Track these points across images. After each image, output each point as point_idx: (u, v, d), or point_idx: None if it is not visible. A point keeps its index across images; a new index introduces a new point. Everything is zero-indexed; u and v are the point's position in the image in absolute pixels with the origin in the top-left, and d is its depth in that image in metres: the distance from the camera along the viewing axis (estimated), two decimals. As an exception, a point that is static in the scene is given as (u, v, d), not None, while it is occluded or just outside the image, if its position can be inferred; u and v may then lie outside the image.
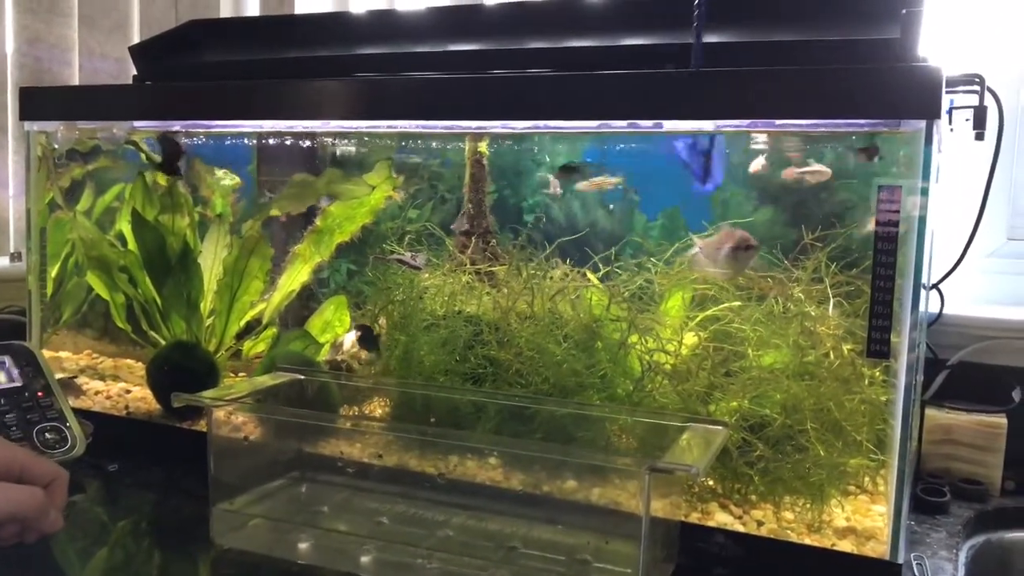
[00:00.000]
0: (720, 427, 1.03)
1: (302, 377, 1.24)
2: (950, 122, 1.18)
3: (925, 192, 0.92)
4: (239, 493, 1.14)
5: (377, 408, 1.33)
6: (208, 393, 1.09)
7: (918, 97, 0.91)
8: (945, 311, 1.48)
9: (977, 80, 1.13)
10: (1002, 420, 1.36)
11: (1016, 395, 1.40)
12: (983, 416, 1.37)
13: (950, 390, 1.43)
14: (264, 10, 2.00)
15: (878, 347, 0.96)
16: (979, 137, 1.20)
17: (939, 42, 1.38)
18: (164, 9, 2.00)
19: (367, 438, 1.19)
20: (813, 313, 1.13)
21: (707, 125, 1.09)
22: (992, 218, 1.51)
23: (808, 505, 1.09)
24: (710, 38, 1.09)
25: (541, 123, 1.17)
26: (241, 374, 1.56)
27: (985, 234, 1.49)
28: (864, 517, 1.10)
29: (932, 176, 0.95)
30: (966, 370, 1.45)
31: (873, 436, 1.07)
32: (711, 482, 1.13)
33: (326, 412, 1.26)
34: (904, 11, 1.02)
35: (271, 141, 1.57)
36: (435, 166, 1.52)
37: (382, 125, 1.27)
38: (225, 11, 2.06)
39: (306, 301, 1.57)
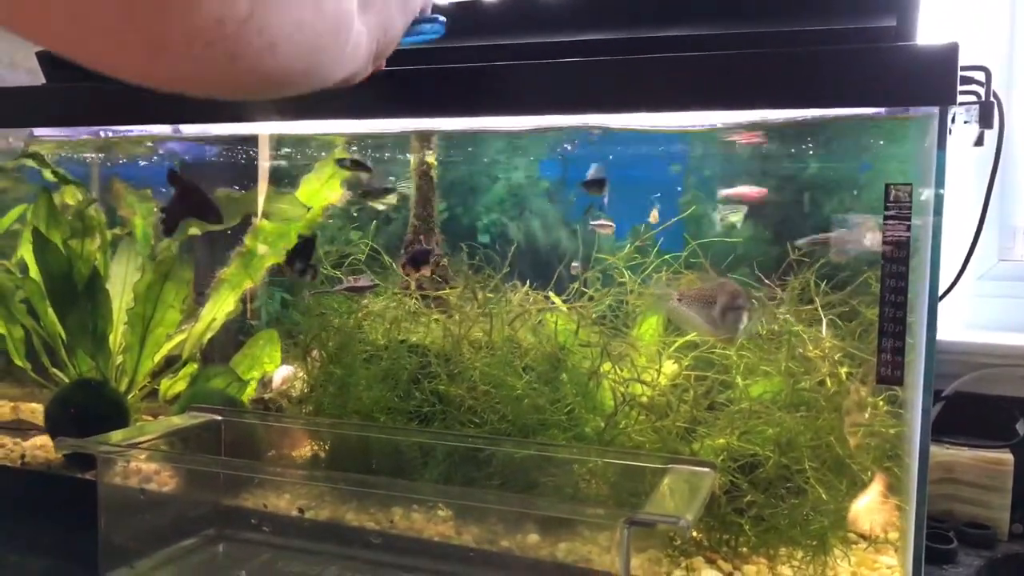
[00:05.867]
0: (707, 469, 0.88)
1: (219, 418, 1.06)
2: (952, 122, 1.07)
3: (940, 184, 0.79)
4: (140, 557, 0.96)
5: (309, 452, 1.16)
6: (97, 438, 0.92)
7: (932, 80, 0.79)
8: (938, 337, 1.36)
9: (982, 71, 1.02)
10: (1007, 456, 1.23)
11: (1021, 428, 1.27)
12: (987, 452, 1.24)
13: (948, 423, 1.30)
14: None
15: (890, 370, 0.83)
16: (979, 142, 1.08)
17: (938, 33, 1.28)
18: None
19: (294, 488, 1.02)
20: (804, 335, 1.00)
21: (697, 118, 0.95)
22: (982, 238, 1.40)
23: (808, 558, 0.95)
24: (698, 31, 0.97)
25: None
26: (161, 417, 1.37)
27: (975, 255, 1.37)
28: (871, 570, 0.96)
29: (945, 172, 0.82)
30: (964, 401, 1.32)
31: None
32: (696, 533, 0.98)
33: (247, 458, 1.09)
34: (900, -4, 0.91)
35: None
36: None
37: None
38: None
39: (235, 334, 1.40)
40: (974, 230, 1.28)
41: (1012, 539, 1.22)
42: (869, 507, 0.97)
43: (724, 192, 1.21)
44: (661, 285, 1.02)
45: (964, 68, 1.03)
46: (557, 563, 0.94)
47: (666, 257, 1.10)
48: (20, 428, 1.42)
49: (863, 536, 1.00)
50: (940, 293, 1.34)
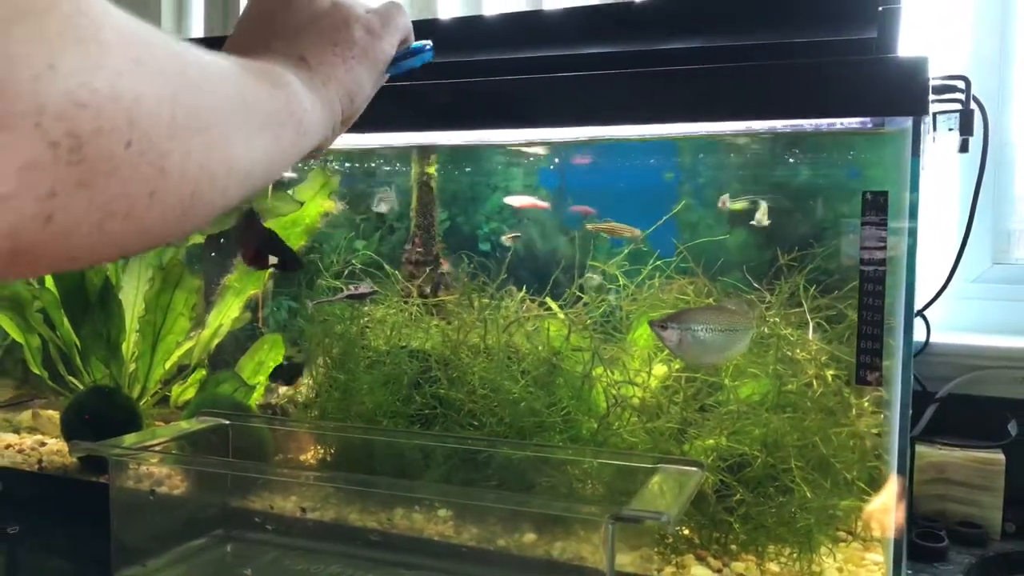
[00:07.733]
0: (695, 468, 0.91)
1: (227, 422, 1.10)
2: (934, 128, 1.09)
3: (915, 191, 0.82)
4: (151, 556, 0.99)
5: (313, 455, 1.20)
6: (109, 441, 0.96)
7: (903, 92, 0.82)
8: (931, 340, 1.38)
9: (962, 80, 1.05)
10: (999, 456, 1.25)
11: (1012, 429, 1.29)
12: (978, 452, 1.26)
13: (940, 425, 1.32)
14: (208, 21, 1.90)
15: (868, 372, 0.85)
16: (963, 148, 1.11)
17: (919, 44, 1.30)
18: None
19: (299, 489, 1.05)
20: (792, 338, 1.03)
21: (677, 129, 0.99)
22: (975, 241, 1.42)
23: (795, 555, 0.97)
24: (679, 44, 1.00)
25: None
26: (173, 423, 1.41)
27: (969, 258, 1.39)
28: (858, 567, 0.98)
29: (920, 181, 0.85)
30: (957, 403, 1.34)
31: (865, 474, 0.96)
32: (686, 531, 1.01)
33: (254, 461, 1.12)
34: (881, 8, 0.94)
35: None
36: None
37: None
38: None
39: (244, 341, 1.44)
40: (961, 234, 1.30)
41: (1004, 538, 1.24)
42: (881, 508, 0.99)
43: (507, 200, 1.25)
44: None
45: (946, 77, 1.06)
46: (552, 561, 0.97)
47: (658, 263, 1.13)
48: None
49: (851, 533, 1.03)
50: (931, 297, 1.37)
